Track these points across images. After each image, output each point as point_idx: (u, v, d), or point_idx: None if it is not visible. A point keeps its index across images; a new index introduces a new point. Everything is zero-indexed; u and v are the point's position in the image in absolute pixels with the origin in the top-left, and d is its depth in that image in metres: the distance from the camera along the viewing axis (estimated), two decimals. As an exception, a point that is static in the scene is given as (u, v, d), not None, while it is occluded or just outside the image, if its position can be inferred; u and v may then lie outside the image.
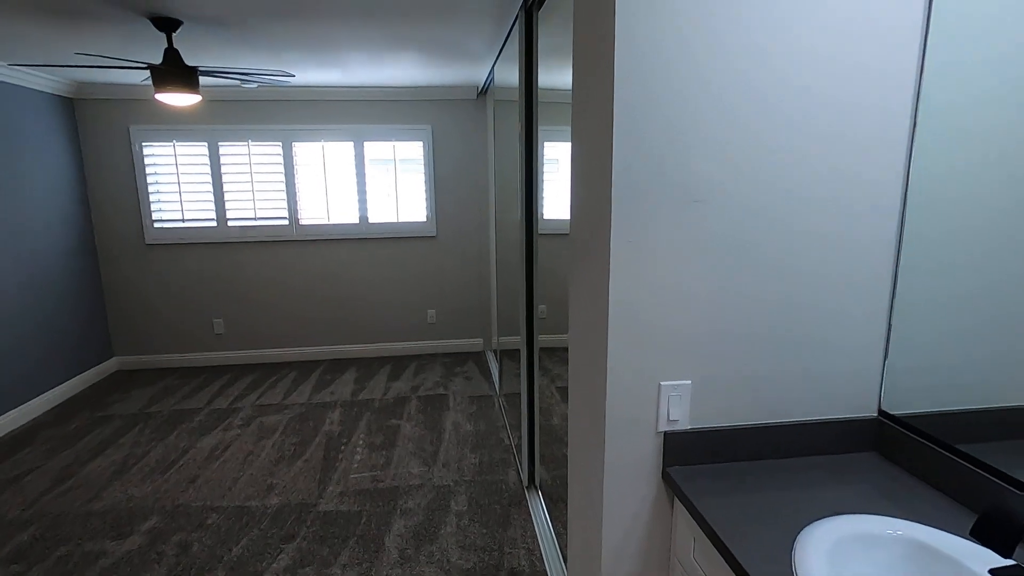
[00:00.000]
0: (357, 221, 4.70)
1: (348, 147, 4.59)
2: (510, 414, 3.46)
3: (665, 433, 1.18)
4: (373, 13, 2.57)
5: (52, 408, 3.88)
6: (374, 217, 4.71)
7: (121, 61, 2.62)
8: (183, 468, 3.02)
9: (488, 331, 5.00)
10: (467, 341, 5.04)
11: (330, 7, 2.47)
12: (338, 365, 4.72)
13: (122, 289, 4.59)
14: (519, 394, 3.00)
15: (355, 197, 4.66)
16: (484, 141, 4.70)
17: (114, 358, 4.66)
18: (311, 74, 3.89)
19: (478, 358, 4.85)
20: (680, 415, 1.18)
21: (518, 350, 2.97)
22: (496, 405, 3.83)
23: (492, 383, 4.23)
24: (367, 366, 4.68)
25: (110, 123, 4.33)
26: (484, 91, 4.49)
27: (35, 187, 3.83)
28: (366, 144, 4.60)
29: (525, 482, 2.78)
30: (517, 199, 2.71)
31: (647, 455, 1.19)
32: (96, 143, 4.35)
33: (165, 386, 4.28)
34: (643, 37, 1.02)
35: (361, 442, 3.29)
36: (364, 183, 4.64)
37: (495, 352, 4.60)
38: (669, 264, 1.11)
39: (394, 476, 2.91)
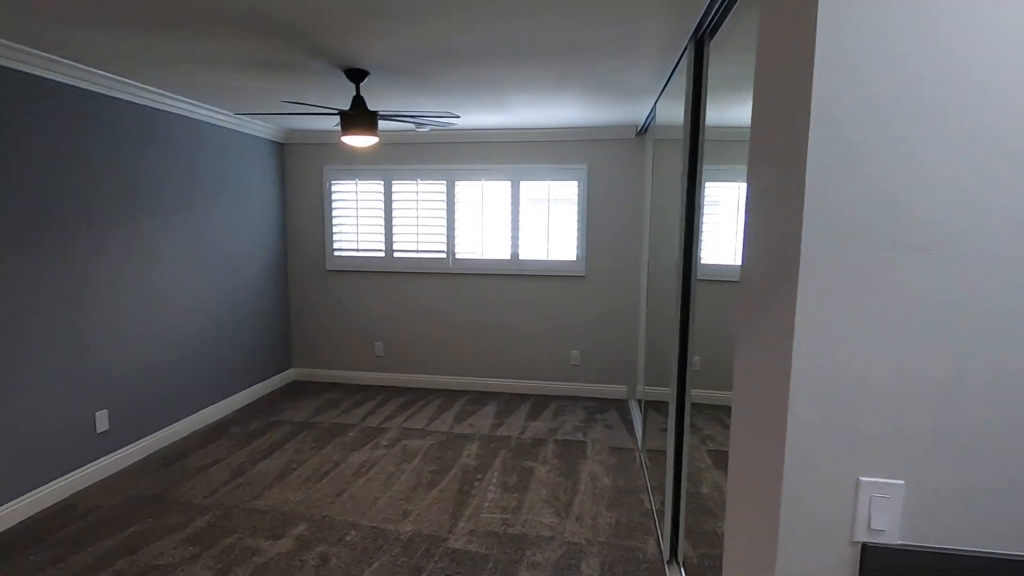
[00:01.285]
0: (509, 257, 4.80)
1: (505, 186, 4.75)
2: (653, 473, 3.17)
3: (864, 545, 0.91)
4: (538, 53, 2.61)
5: (239, 408, 4.44)
6: (525, 254, 4.78)
7: (317, 108, 3.01)
8: (333, 480, 3.22)
9: (633, 379, 4.73)
10: (610, 387, 4.82)
11: (499, 49, 2.56)
12: (480, 397, 4.79)
13: (304, 309, 5.19)
14: (664, 452, 2.72)
15: (508, 234, 4.78)
16: (640, 181, 4.55)
17: (292, 369, 5.26)
18: (476, 117, 4.11)
19: (620, 406, 4.59)
20: (887, 524, 0.90)
21: (666, 403, 2.71)
22: (638, 460, 3.55)
23: (634, 435, 3.95)
24: (508, 402, 4.68)
25: (308, 164, 5.00)
26: (644, 130, 4.36)
27: (248, 217, 4.52)
28: (522, 183, 4.71)
29: (666, 555, 2.47)
30: (674, 242, 2.51)
31: (836, 570, 0.93)
32: (296, 180, 5.04)
33: (329, 399, 4.69)
34: (848, 47, 0.83)
35: (495, 480, 3.24)
36: (517, 221, 4.74)
37: (639, 402, 4.32)
38: (877, 327, 0.87)
39: (524, 522, 2.79)
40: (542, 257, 4.76)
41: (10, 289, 2.69)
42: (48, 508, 2.87)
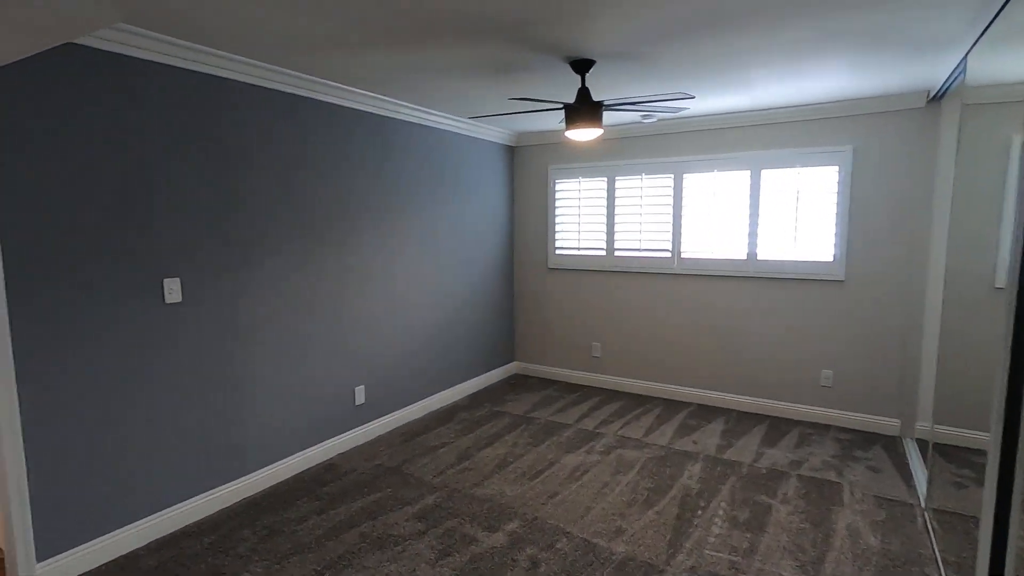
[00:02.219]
0: (745, 257, 4.23)
1: (742, 176, 4.19)
2: (946, 543, 2.40)
3: None
4: (803, 6, 2.15)
5: (467, 395, 4.77)
6: (765, 253, 4.15)
7: (541, 103, 3.00)
8: (547, 480, 3.19)
9: (911, 412, 3.75)
10: (875, 419, 3.90)
11: (739, 9, 2.18)
12: (705, 412, 4.33)
13: (527, 305, 5.36)
14: (971, 517, 2.02)
15: (745, 231, 4.21)
16: (930, 163, 3.57)
17: (515, 362, 5.48)
18: (710, 101, 3.68)
19: (890, 444, 3.68)
20: None
21: (975, 450, 2.00)
22: (920, 521, 2.75)
23: (913, 486, 3.10)
24: (738, 421, 4.13)
25: (535, 164, 5.13)
26: (940, 95, 3.40)
27: (480, 218, 4.83)
28: (764, 172, 4.10)
29: (972, 664, 1.81)
30: (999, 241, 1.82)
31: None
32: (523, 181, 5.22)
33: (547, 396, 4.75)
34: None
35: (722, 512, 2.83)
36: (757, 216, 4.15)
37: (922, 443, 3.39)
38: None
39: (759, 571, 2.35)
40: (787, 257, 4.08)
41: (307, 279, 3.25)
42: (316, 465, 3.42)
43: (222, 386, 2.90)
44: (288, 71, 3.00)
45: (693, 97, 2.73)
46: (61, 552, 2.34)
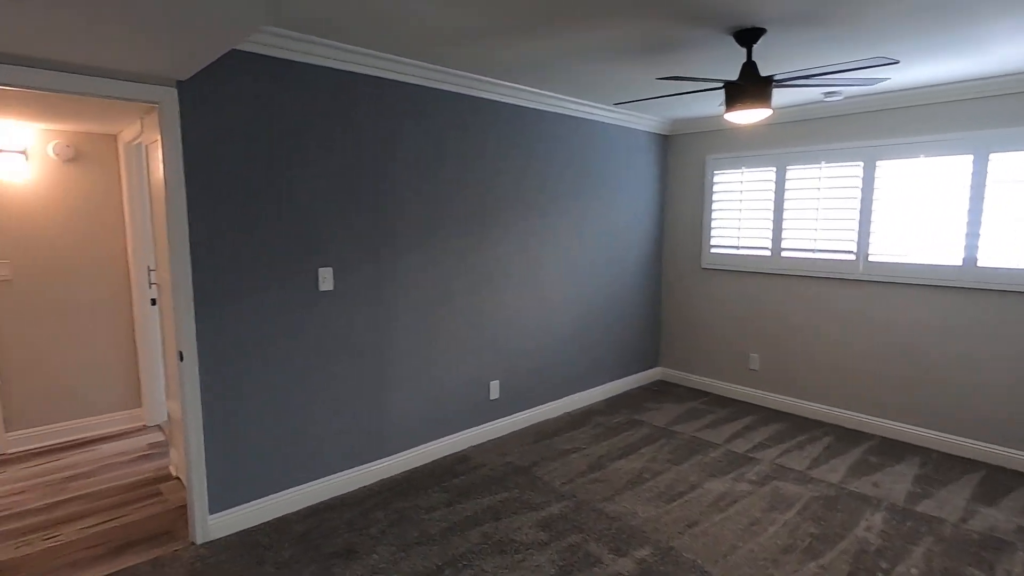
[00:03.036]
0: (960, 263, 3.41)
1: (960, 162, 3.37)
2: None
3: None
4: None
5: (604, 399, 4.54)
6: (990, 259, 3.30)
7: (698, 83, 2.66)
8: (686, 505, 2.86)
9: None
10: None
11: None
12: (892, 447, 3.59)
13: (675, 307, 4.95)
14: None
15: (961, 230, 3.39)
16: None
17: (658, 368, 5.11)
18: (916, 69, 2.99)
19: None
20: None
21: None
22: None
23: None
24: (937, 464, 3.36)
25: (691, 154, 4.69)
26: None
27: (627, 212, 4.54)
28: (992, 157, 3.25)
29: None
30: None
31: None
32: (677, 173, 4.81)
33: (692, 408, 4.33)
34: None
35: (911, 579, 2.28)
36: (979, 211, 3.31)
37: None
38: None
39: (965, 670, 1.82)
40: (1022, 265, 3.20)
41: (446, 272, 3.31)
42: (449, 455, 3.47)
43: (367, 370, 3.05)
44: (426, 64, 3.03)
45: (896, 62, 2.20)
46: (228, 508, 2.63)
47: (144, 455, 3.50)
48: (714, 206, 4.58)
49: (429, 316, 3.30)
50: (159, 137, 2.48)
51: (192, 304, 2.44)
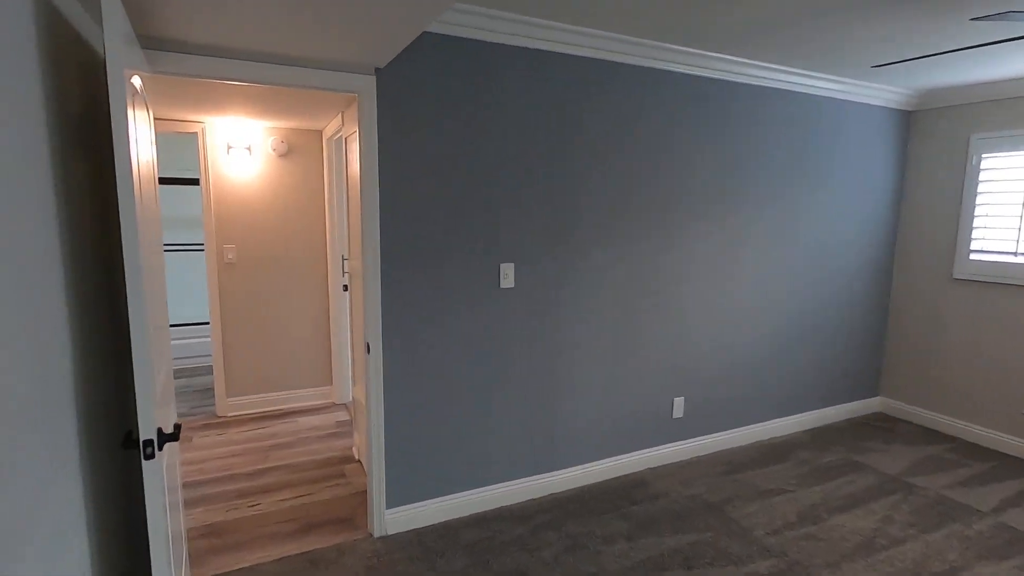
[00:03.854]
0: None
1: None
2: None
3: None
4: None
5: (808, 430, 3.81)
6: None
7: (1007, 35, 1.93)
8: (948, 594, 2.17)
9: None
10: None
11: None
12: None
13: (909, 324, 3.99)
14: None
15: None
16: None
17: (878, 397, 4.19)
18: None
19: None
20: None
21: None
22: None
23: None
24: None
25: (946, 133, 3.70)
26: None
27: (849, 205, 3.74)
28: None
29: None
30: None
31: None
32: (923, 157, 3.84)
33: (934, 455, 3.43)
34: None
35: None
36: None
37: None
38: None
39: None
40: None
41: (631, 273, 2.96)
42: (624, 476, 3.11)
43: (543, 374, 2.82)
44: (617, 35, 2.67)
45: None
46: (403, 504, 2.59)
47: (332, 433, 3.71)
48: (979, 200, 3.56)
49: (610, 320, 2.97)
50: (356, 128, 2.49)
51: (380, 297, 2.41)
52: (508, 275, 2.66)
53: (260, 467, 3.21)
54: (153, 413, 1.39)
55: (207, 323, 5.28)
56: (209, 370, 5.04)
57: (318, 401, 4.26)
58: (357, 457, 3.33)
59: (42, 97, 1.23)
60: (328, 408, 4.17)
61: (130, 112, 1.35)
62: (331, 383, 4.28)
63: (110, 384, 1.69)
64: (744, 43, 2.73)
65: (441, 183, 2.47)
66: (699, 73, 2.99)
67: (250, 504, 2.81)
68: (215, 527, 2.60)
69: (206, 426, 3.80)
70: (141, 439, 1.38)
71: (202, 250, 5.20)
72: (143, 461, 1.39)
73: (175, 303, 5.26)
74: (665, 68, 2.88)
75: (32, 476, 1.05)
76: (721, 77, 3.05)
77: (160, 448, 1.44)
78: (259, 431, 3.73)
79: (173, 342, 5.12)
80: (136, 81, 1.51)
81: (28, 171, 1.11)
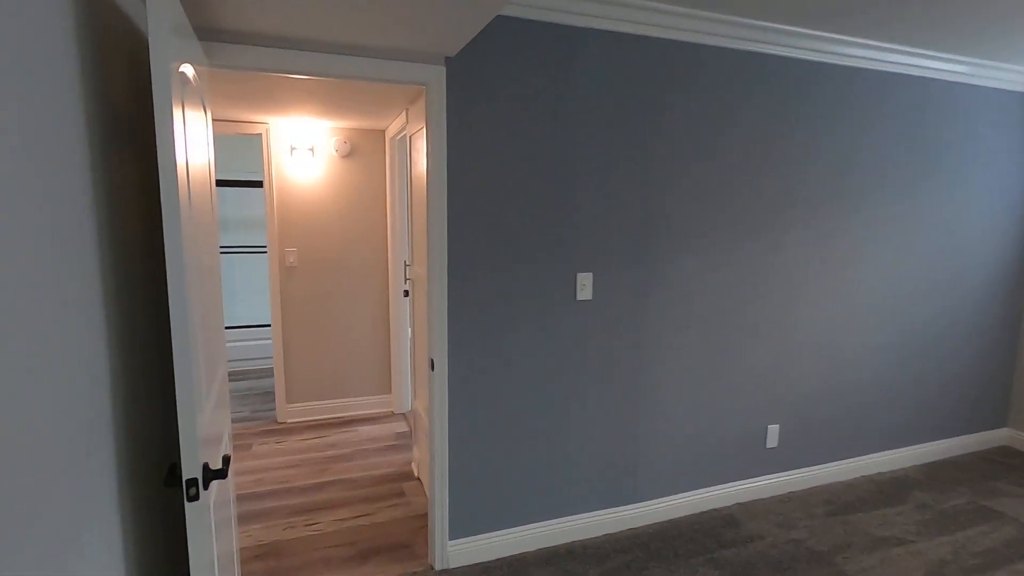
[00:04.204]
0: None
1: None
2: None
3: None
4: None
5: (922, 465, 3.32)
6: None
7: None
8: None
9: None
10: None
11: None
12: None
13: (1046, 347, 3.42)
14: None
15: None
16: None
17: (1004, 429, 3.63)
18: None
19: None
20: None
21: None
22: None
23: None
24: None
25: (1103, 123, 3.13)
26: None
27: (978, 209, 3.23)
28: None
29: None
30: None
31: None
32: (1071, 152, 3.28)
33: (1085, 504, 2.89)
34: None
35: None
36: None
37: None
38: None
39: None
40: None
41: (723, 282, 2.62)
42: (712, 511, 2.77)
43: (623, 396, 2.53)
44: (713, 14, 2.34)
45: None
46: (468, 536, 2.37)
47: (391, 445, 3.55)
48: None
49: (699, 336, 2.64)
50: (422, 125, 2.29)
51: (446, 309, 2.19)
52: (586, 285, 2.39)
53: (318, 480, 3.08)
54: (199, 448, 1.21)
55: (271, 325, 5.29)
56: (273, 372, 5.03)
57: (377, 410, 4.13)
58: (416, 474, 3.14)
59: (80, 91, 1.07)
60: (387, 418, 4.03)
61: (178, 109, 1.18)
62: (390, 391, 4.14)
63: (156, 406, 1.54)
64: (850, 20, 2.34)
65: (514, 184, 2.23)
66: (809, 57, 2.61)
67: (307, 522, 2.67)
68: (272, 547, 2.47)
69: (266, 432, 3.74)
70: (184, 478, 1.21)
71: (267, 252, 5.22)
72: (186, 503, 1.22)
73: (242, 305, 5.30)
74: (769, 52, 2.53)
75: (64, 518, 0.88)
76: (836, 61, 2.66)
77: (207, 487, 1.27)
78: (318, 440, 3.62)
79: (238, 343, 5.16)
80: (188, 71, 1.35)
81: (57, 174, 0.94)
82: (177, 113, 1.17)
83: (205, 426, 1.33)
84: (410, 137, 2.84)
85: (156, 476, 1.50)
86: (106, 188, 1.20)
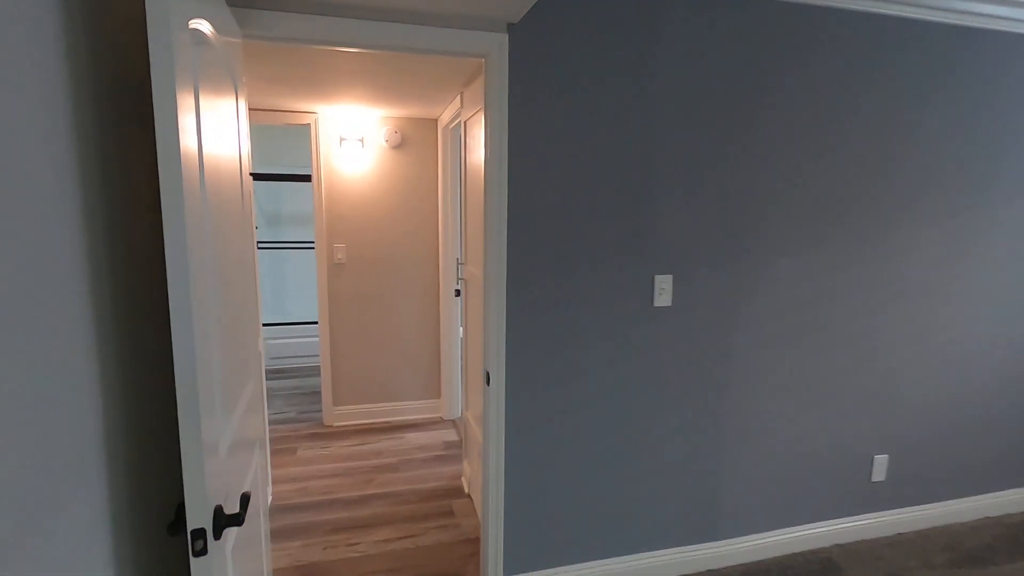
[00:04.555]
0: None
1: None
2: None
3: None
4: None
5: (1004, 516, 2.80)
6: None
7: None
8: None
9: None
10: None
11: None
12: None
13: None
14: None
15: None
16: None
17: None
18: None
19: None
20: None
21: None
22: None
23: None
24: None
25: None
26: None
27: None
28: None
29: None
30: None
31: None
32: None
33: None
34: None
35: None
36: None
37: None
38: None
39: None
40: None
41: (825, 290, 2.23)
42: (806, 553, 2.38)
43: (704, 417, 2.19)
44: (857, -31, 1.94)
45: None
46: (525, 572, 2.09)
47: (440, 456, 3.32)
48: None
49: (796, 350, 2.25)
50: (480, 108, 2.02)
51: (504, 316, 1.92)
52: (665, 290, 2.06)
53: (363, 493, 2.88)
54: (207, 493, 0.98)
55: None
56: (320, 371, 4.93)
57: (426, 415, 3.92)
58: (467, 491, 2.89)
59: (63, 62, 0.84)
60: (436, 424, 3.81)
61: (187, 76, 0.94)
62: (440, 396, 3.92)
63: (166, 428, 1.33)
64: (1024, -35, 1.89)
65: (583, 173, 1.92)
66: (961, 22, 2.17)
67: (349, 542, 2.46)
68: (311, 569, 2.27)
69: (312, 436, 3.59)
70: (189, 528, 0.98)
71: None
72: (192, 557, 0.99)
73: (294, 301, 5.22)
74: (913, 16, 2.11)
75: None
76: (994, 27, 2.20)
77: (219, 536, 1.04)
78: (364, 447, 3.44)
79: (290, 340, 5.07)
80: (204, 28, 1.12)
81: (30, 162, 0.72)
82: (185, 80, 0.93)
83: (221, 460, 1.10)
84: (465, 123, 2.58)
85: (166, 517, 1.29)
86: (102, 176, 0.98)
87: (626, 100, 1.92)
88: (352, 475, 3.08)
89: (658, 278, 2.05)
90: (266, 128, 4.86)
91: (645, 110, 1.94)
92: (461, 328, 3.73)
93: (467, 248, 2.65)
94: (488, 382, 1.95)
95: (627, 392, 2.08)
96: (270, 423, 3.78)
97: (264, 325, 4.92)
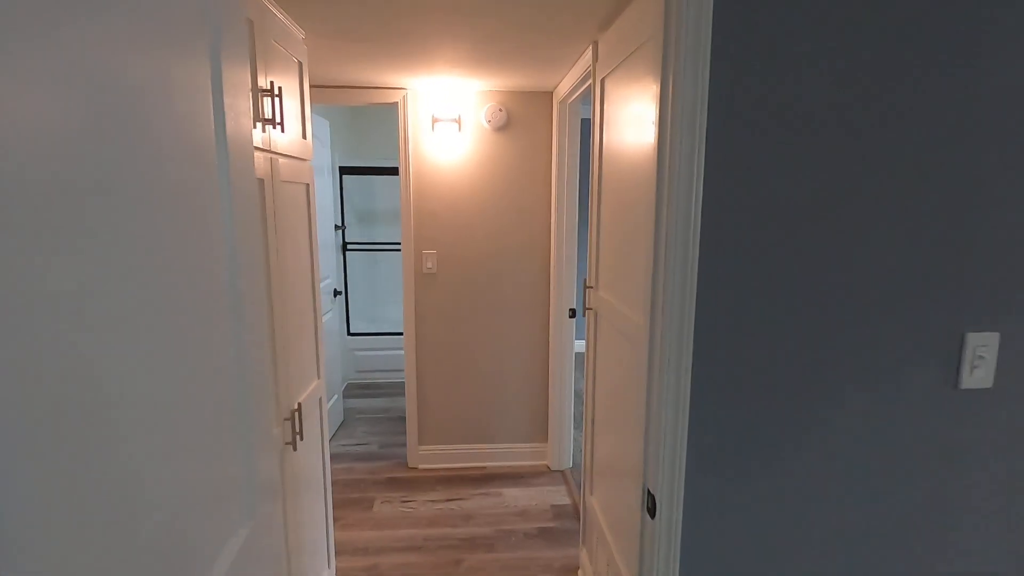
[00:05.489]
0: None
1: None
2: None
3: None
4: None
5: None
6: None
7: None
8: None
9: None
10: None
11: None
12: None
13: None
14: None
15: None
16: None
17: None
18: None
19: None
20: None
21: None
22: None
23: None
24: None
25: None
26: None
27: None
28: None
29: None
30: None
31: None
32: None
33: None
34: None
35: None
36: None
37: None
38: None
39: None
40: None
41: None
42: None
43: (1034, 592, 1.22)
44: None
45: None
46: None
47: (547, 529, 2.55)
48: None
49: None
50: (637, 46, 1.20)
51: (687, 406, 1.08)
52: (984, 359, 1.12)
53: (448, 584, 2.19)
54: None
55: (411, 333, 4.63)
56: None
57: (528, 461, 3.17)
58: (587, 598, 2.09)
59: None
60: (540, 476, 3.04)
61: None
62: (546, 440, 3.15)
63: None
64: None
65: (834, 168, 1.04)
66: None
67: (426, 674, 1.76)
68: None
69: (392, 482, 2.96)
70: None
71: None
72: None
73: (385, 308, 4.72)
74: None
75: None
76: None
77: None
78: (452, 504, 2.75)
79: (378, 352, 4.54)
80: None
81: None
82: None
83: None
84: (603, 82, 1.76)
85: None
86: None
87: (919, 57, 1.00)
88: (436, 551, 2.39)
89: (971, 337, 1.11)
90: (358, 114, 4.36)
91: (975, 68, 1.01)
92: (586, 358, 2.92)
93: (598, 265, 1.84)
94: (653, 512, 1.13)
95: (901, 526, 1.17)
96: (348, 458, 3.22)
97: (352, 335, 4.43)
